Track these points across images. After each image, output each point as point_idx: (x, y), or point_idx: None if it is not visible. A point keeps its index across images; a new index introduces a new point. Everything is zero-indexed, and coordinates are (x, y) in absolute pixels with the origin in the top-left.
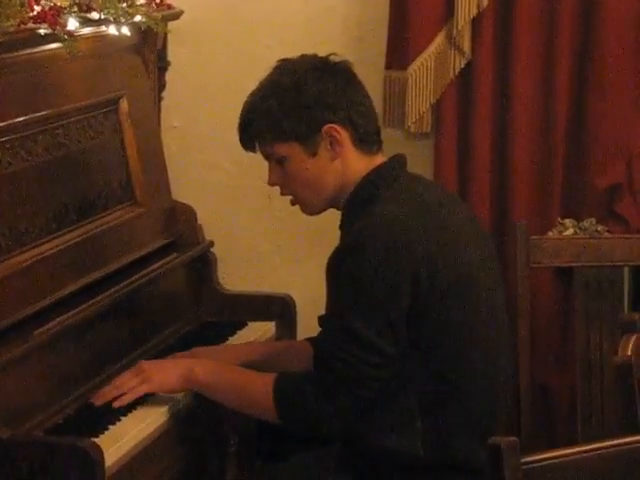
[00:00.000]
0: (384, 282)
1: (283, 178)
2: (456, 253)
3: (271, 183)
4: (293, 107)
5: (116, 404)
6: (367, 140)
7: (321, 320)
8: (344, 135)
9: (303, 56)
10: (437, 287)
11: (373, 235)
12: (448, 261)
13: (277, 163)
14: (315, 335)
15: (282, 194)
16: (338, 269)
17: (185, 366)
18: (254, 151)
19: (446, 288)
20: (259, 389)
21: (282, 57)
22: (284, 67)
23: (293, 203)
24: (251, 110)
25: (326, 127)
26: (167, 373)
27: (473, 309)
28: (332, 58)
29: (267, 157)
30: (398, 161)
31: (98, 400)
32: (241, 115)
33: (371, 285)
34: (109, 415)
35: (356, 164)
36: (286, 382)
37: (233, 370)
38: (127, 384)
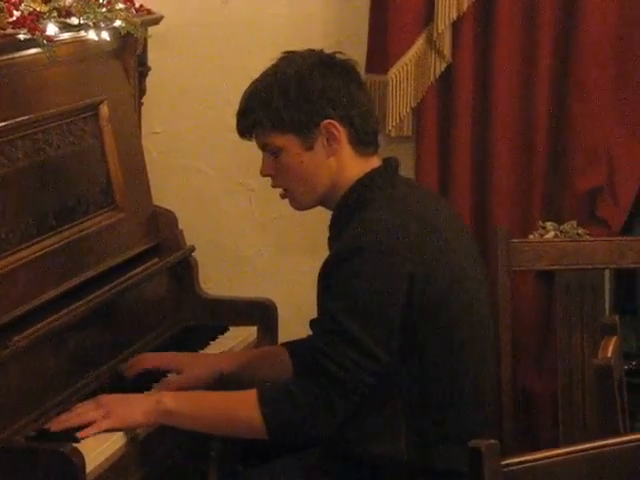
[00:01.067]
0: (380, 287)
1: (276, 170)
2: (449, 260)
3: (264, 174)
4: (295, 98)
5: (81, 434)
6: (364, 141)
7: (313, 324)
8: (342, 133)
9: (310, 50)
10: (430, 293)
11: (370, 241)
12: (442, 268)
13: (272, 154)
14: (293, 339)
15: (273, 186)
16: (334, 274)
17: (150, 400)
18: (249, 139)
19: (439, 294)
20: (240, 404)
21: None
22: (290, 58)
23: (283, 196)
24: (252, 98)
25: (325, 122)
26: (131, 409)
27: (462, 315)
28: (339, 55)
29: (262, 147)
30: (391, 165)
31: (55, 426)
32: (241, 102)
33: (367, 290)
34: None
35: (351, 164)
36: (271, 391)
37: (204, 394)
38: (88, 416)
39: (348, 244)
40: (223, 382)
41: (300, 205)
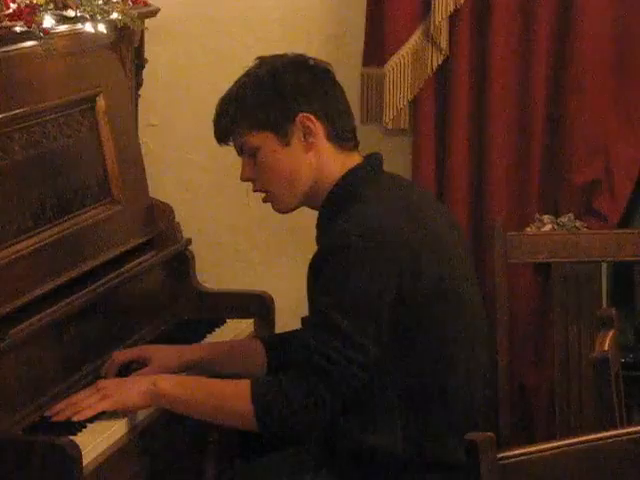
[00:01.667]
0: (369, 281)
1: (256, 172)
2: (438, 252)
3: (244, 178)
4: (268, 95)
5: (75, 418)
6: (342, 136)
7: (305, 320)
8: (318, 127)
9: (283, 54)
10: (420, 286)
11: (358, 235)
12: (431, 260)
13: (250, 156)
14: (267, 334)
15: (254, 190)
16: (323, 268)
17: (147, 382)
18: (228, 144)
19: (429, 287)
20: (234, 397)
21: (259, 54)
22: (262, 61)
23: (265, 200)
24: (226, 100)
25: (300, 116)
26: (128, 390)
27: (455, 307)
28: (312, 58)
29: (240, 150)
30: (375, 160)
31: (57, 417)
32: (216, 107)
33: (356, 284)
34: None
35: (331, 160)
36: (264, 385)
37: (200, 381)
38: (85, 401)
39: (335, 240)
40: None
41: (283, 206)
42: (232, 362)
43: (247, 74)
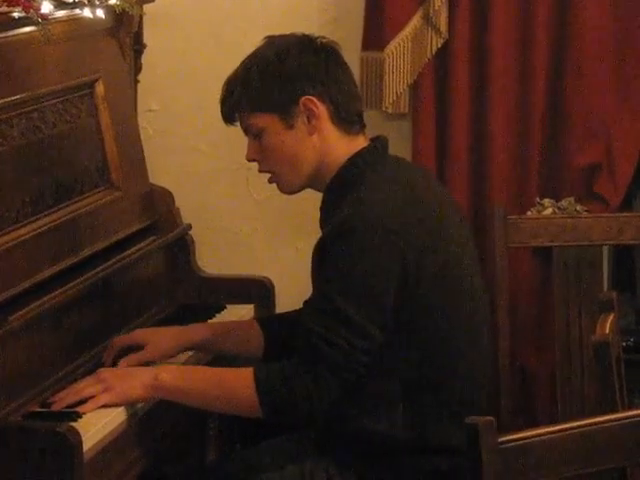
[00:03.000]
0: (374, 267)
1: (261, 153)
2: (442, 237)
3: (249, 158)
4: (273, 77)
5: (81, 410)
6: (347, 119)
7: (306, 304)
8: (322, 109)
9: (291, 33)
10: (424, 272)
11: (363, 220)
12: (435, 245)
13: (255, 137)
14: (265, 315)
15: (260, 171)
16: (328, 254)
17: (149, 374)
18: (234, 124)
19: (433, 273)
20: (237, 385)
21: (258, 39)
22: (269, 41)
23: (271, 181)
24: (232, 81)
25: (303, 99)
26: (130, 382)
27: (458, 293)
28: (320, 38)
29: (245, 131)
30: (381, 143)
31: (57, 405)
32: (223, 88)
33: (361, 269)
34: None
35: (335, 143)
36: (267, 372)
37: (202, 370)
38: (87, 391)
39: (340, 224)
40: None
41: (288, 188)
42: (229, 343)
43: (254, 55)
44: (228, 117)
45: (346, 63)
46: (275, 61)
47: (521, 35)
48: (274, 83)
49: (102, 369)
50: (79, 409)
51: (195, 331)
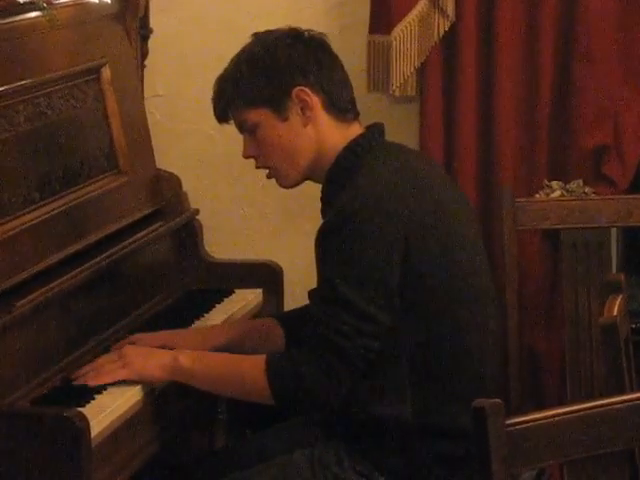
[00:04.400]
0: (376, 250)
1: (257, 149)
2: (443, 217)
3: (246, 155)
4: (263, 70)
5: (92, 382)
6: (340, 107)
7: (312, 293)
8: (315, 100)
9: (277, 28)
10: (427, 253)
11: (363, 204)
12: (437, 226)
13: (250, 133)
14: (284, 311)
15: (257, 167)
16: (329, 240)
17: (169, 356)
18: (228, 122)
19: (436, 254)
20: (250, 371)
21: (264, 23)
22: (257, 37)
23: (269, 176)
24: (223, 79)
25: (296, 90)
26: (149, 361)
27: (462, 274)
28: (307, 31)
29: (240, 128)
30: (377, 130)
31: (78, 380)
32: (214, 86)
33: (363, 254)
34: (91, 389)
35: (331, 132)
36: (278, 359)
37: (219, 356)
38: (106, 366)
39: (340, 211)
40: None
41: (287, 181)
42: (252, 341)
43: (242, 51)
44: (221, 115)
45: (335, 54)
46: (264, 55)
47: (529, 17)
48: (265, 77)
49: (127, 345)
50: (93, 382)
51: (220, 333)
